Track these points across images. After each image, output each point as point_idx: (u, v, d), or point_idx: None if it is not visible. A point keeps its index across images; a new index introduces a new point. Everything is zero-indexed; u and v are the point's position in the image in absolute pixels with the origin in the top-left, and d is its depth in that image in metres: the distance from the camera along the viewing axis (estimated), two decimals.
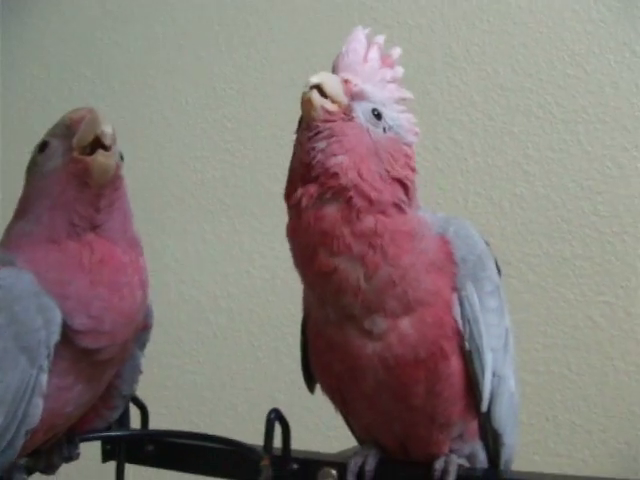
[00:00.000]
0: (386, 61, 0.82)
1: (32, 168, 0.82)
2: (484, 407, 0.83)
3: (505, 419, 0.86)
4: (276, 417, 0.84)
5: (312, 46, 1.65)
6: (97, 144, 0.76)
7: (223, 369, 1.70)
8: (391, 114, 0.80)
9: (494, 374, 0.83)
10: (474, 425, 0.86)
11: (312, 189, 0.76)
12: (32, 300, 0.73)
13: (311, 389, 0.91)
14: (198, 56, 1.73)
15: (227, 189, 1.71)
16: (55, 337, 0.73)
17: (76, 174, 0.76)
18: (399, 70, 0.83)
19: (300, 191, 0.76)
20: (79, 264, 0.75)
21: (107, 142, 0.76)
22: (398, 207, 0.78)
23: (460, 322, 0.80)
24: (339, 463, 0.85)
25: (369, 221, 0.75)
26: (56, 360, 0.74)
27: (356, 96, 0.78)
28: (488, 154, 1.55)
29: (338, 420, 0.92)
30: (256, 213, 1.68)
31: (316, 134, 0.76)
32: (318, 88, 0.76)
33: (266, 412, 0.84)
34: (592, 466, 1.47)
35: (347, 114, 0.77)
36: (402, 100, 0.83)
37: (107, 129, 0.76)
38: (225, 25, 1.72)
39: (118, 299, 0.76)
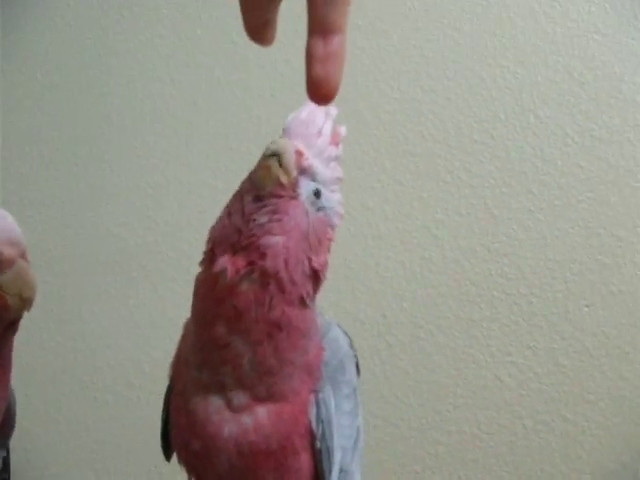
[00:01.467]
0: (335, 138, 0.83)
1: None
2: None
3: None
4: None
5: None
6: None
7: (146, 433, 1.71)
8: (327, 194, 0.82)
9: (341, 470, 0.86)
10: None
11: (240, 264, 0.78)
12: None
13: (167, 457, 0.94)
14: (124, 125, 1.77)
15: (150, 255, 1.74)
16: None
17: None
18: (341, 149, 0.84)
19: (227, 261, 0.79)
20: None
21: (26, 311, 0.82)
22: (303, 302, 0.81)
23: (314, 422, 0.83)
24: None
25: (277, 312, 0.79)
26: None
27: (304, 171, 0.80)
28: (398, 219, 1.59)
29: None
30: (177, 279, 1.71)
31: (262, 206, 0.78)
32: (276, 155, 0.78)
33: None
34: None
35: (294, 190, 0.79)
36: (338, 180, 0.84)
37: (33, 296, 0.81)
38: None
39: None
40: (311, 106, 0.81)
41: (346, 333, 0.91)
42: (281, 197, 0.78)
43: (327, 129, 0.82)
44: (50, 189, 1.80)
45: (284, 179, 0.78)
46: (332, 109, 0.83)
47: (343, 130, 0.84)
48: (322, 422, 0.83)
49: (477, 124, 1.57)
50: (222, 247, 0.80)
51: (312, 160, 0.80)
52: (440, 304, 1.56)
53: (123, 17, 1.86)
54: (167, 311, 1.72)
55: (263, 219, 0.78)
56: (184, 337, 0.89)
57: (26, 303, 0.81)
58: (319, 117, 0.82)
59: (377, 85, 1.62)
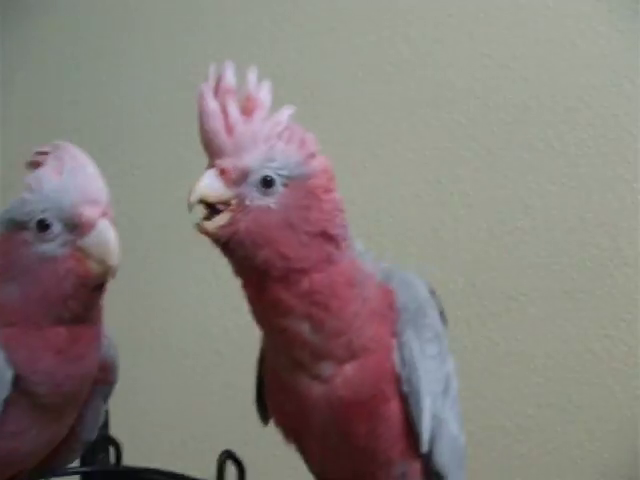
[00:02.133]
0: (248, 106, 0.78)
1: (22, 238, 0.80)
2: (424, 448, 0.86)
3: (448, 462, 0.89)
4: (228, 457, 0.87)
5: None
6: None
7: (235, 399, 1.74)
8: (280, 162, 0.78)
9: (434, 416, 0.86)
10: (417, 466, 0.88)
11: (255, 280, 0.79)
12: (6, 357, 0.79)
13: (264, 421, 0.95)
14: None
15: None
16: (6, 390, 0.79)
17: (74, 273, 0.79)
18: (265, 100, 0.79)
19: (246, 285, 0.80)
20: (52, 347, 0.80)
21: (110, 278, 0.80)
22: (329, 260, 0.80)
23: (399, 366, 0.83)
24: None
25: (305, 283, 0.79)
26: (12, 407, 0.80)
27: (240, 180, 0.77)
28: (490, 188, 1.57)
29: None
30: None
31: (229, 248, 0.78)
32: (203, 202, 0.77)
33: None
34: None
35: (241, 206, 0.77)
36: (286, 129, 0.80)
37: (116, 263, 0.79)
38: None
39: (79, 368, 0.82)
40: (203, 111, 0.77)
41: (428, 283, 0.90)
42: (234, 227, 0.77)
43: (233, 113, 0.77)
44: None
45: (224, 219, 0.77)
46: (225, 84, 0.78)
47: (251, 81, 0.79)
48: (406, 365, 0.83)
49: (571, 91, 1.53)
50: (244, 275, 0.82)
51: (239, 163, 0.77)
52: (531, 275, 1.53)
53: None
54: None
55: (240, 252, 0.78)
56: None
57: (109, 271, 0.79)
58: (214, 118, 0.77)
59: (469, 54, 1.59)
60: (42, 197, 0.79)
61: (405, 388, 0.83)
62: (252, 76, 0.79)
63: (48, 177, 0.80)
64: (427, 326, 0.86)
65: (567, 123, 1.52)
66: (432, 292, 0.90)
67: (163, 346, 1.81)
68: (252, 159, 0.77)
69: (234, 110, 0.77)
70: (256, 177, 0.77)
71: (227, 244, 0.78)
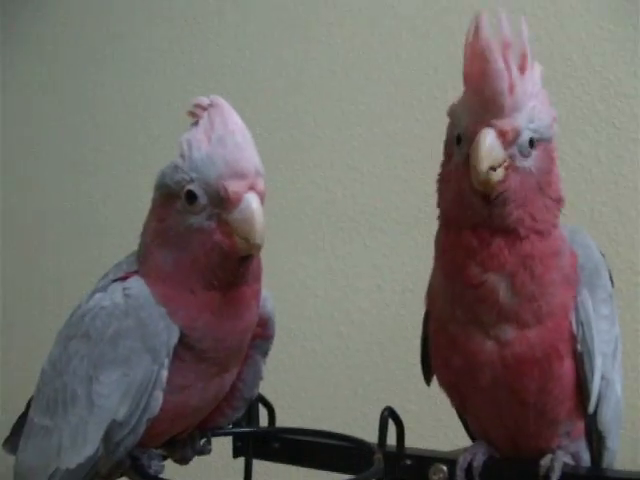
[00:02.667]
0: (523, 63, 0.78)
1: (175, 206, 0.82)
2: (591, 408, 0.87)
3: (610, 422, 0.89)
4: (389, 414, 0.89)
5: (438, 68, 1.70)
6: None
7: (355, 380, 1.75)
8: (537, 123, 0.79)
9: (603, 377, 0.87)
10: (580, 425, 0.89)
11: (486, 234, 0.80)
12: (155, 308, 0.82)
13: (427, 381, 0.97)
14: (324, 76, 1.80)
15: (357, 207, 1.77)
16: (174, 339, 0.81)
17: (221, 246, 0.80)
18: (536, 69, 0.79)
19: (473, 236, 0.81)
20: (207, 308, 0.82)
21: (252, 253, 0.80)
22: (555, 226, 0.83)
23: (575, 325, 0.84)
24: (449, 460, 0.90)
25: (527, 245, 0.80)
26: (179, 362, 0.83)
27: (513, 141, 0.78)
28: (613, 163, 1.55)
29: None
30: (385, 229, 1.74)
31: (493, 202, 0.79)
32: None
33: None
34: None
35: (512, 166, 0.78)
36: (541, 92, 0.80)
37: (259, 241, 0.78)
38: (351, 50, 1.79)
39: (237, 325, 0.84)
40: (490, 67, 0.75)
41: (598, 244, 0.90)
42: (506, 184, 0.78)
43: (515, 76, 0.76)
44: None
45: (500, 175, 0.77)
46: (503, 33, 0.76)
47: (524, 37, 0.78)
48: (582, 324, 0.84)
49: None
50: (463, 221, 0.82)
51: (515, 124, 0.77)
52: None
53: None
54: (375, 261, 1.75)
55: (498, 210, 0.79)
56: (434, 268, 0.91)
57: (253, 248, 0.79)
58: (499, 78, 0.75)
59: (586, 27, 1.57)
60: (191, 166, 0.79)
61: (579, 347, 0.84)
62: (525, 29, 0.79)
63: (197, 143, 0.80)
64: (601, 287, 0.87)
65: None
66: (603, 254, 0.90)
67: (326, 320, 1.81)
68: (522, 120, 0.78)
69: (515, 68, 0.76)
70: (524, 139, 0.78)
71: (494, 198, 0.78)
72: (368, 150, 1.77)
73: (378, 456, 0.83)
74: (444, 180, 0.85)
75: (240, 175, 0.78)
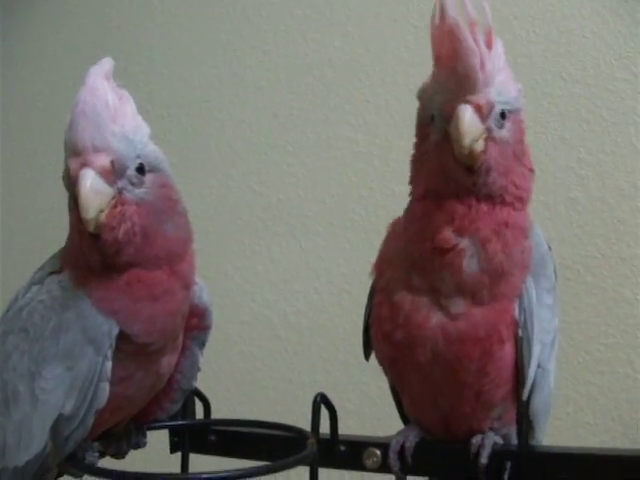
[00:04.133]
0: (489, 39, 0.81)
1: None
2: (525, 395, 0.89)
3: (541, 411, 0.91)
4: (322, 401, 0.89)
5: (369, 72, 1.72)
6: None
7: (295, 383, 1.76)
8: (505, 96, 0.82)
9: (539, 366, 0.88)
10: (513, 410, 0.91)
11: (470, 201, 0.83)
12: (92, 303, 0.82)
13: (367, 356, 0.97)
14: (259, 86, 1.82)
15: (292, 211, 1.78)
16: (116, 330, 0.81)
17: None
18: (499, 44, 0.82)
19: (457, 203, 0.83)
20: (123, 292, 0.82)
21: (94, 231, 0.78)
22: (529, 199, 0.86)
23: (517, 310, 0.86)
24: (383, 444, 0.91)
25: (505, 212, 0.83)
26: (119, 353, 0.82)
27: (488, 114, 0.81)
28: (542, 161, 1.58)
29: None
30: (320, 232, 1.75)
31: (476, 171, 0.81)
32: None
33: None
34: None
35: (489, 136, 0.81)
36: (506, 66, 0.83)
37: (89, 217, 0.76)
38: (283, 56, 1.81)
39: (161, 304, 0.84)
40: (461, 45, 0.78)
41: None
42: (486, 155, 0.81)
43: (483, 50, 0.79)
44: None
45: (481, 146, 0.80)
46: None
47: (485, 11, 0.81)
48: (524, 311, 0.86)
49: (616, 61, 1.55)
50: (446, 190, 0.84)
51: (488, 97, 0.80)
52: (587, 243, 1.55)
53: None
54: (310, 264, 1.76)
55: (481, 179, 0.82)
56: (388, 238, 0.93)
57: (87, 224, 0.78)
58: (473, 52, 0.78)
59: (512, 30, 1.61)
60: None
61: (520, 333, 0.86)
62: (487, 6, 0.81)
63: None
64: (546, 277, 0.89)
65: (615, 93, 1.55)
66: (549, 247, 0.92)
67: (264, 324, 1.82)
68: (494, 93, 0.81)
69: (483, 45, 0.79)
70: (496, 111, 0.81)
71: (477, 168, 0.81)
72: (302, 155, 1.78)
73: (311, 441, 0.83)
74: (420, 159, 0.87)
75: (77, 152, 0.77)
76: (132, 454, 0.96)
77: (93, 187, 0.75)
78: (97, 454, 0.86)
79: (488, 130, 0.81)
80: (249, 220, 1.82)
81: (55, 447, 0.82)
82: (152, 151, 0.83)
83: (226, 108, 1.85)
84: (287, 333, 1.78)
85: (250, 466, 0.76)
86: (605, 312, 1.53)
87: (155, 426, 0.98)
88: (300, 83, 1.78)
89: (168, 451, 1.03)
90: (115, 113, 0.79)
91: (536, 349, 0.87)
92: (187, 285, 0.87)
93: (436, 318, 0.85)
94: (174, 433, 1.03)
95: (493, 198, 0.82)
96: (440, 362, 0.86)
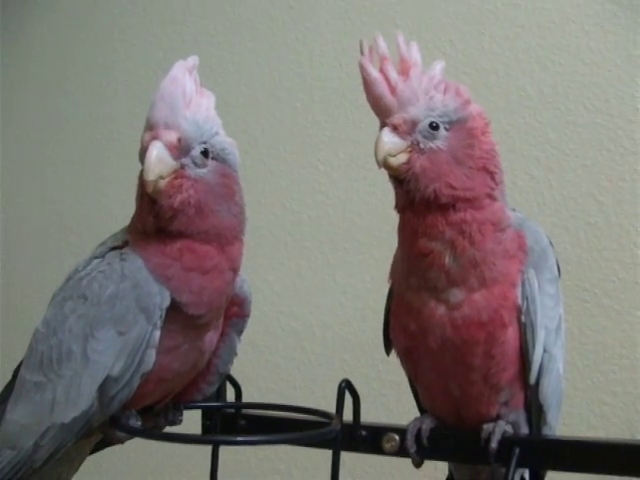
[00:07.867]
0: (403, 67, 0.92)
1: None
2: (532, 379, 0.95)
3: (551, 396, 0.97)
4: (346, 387, 0.96)
5: None
6: None
7: (318, 395, 1.81)
8: (440, 110, 0.92)
9: (545, 350, 0.95)
10: (521, 395, 0.97)
11: (419, 208, 0.92)
12: (149, 273, 0.90)
13: (387, 352, 1.06)
14: (294, 107, 1.90)
15: (321, 227, 1.85)
16: (167, 302, 0.89)
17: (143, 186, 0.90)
18: (417, 58, 0.93)
19: (412, 214, 0.93)
20: (174, 255, 0.90)
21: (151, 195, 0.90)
22: (490, 196, 0.93)
23: (520, 298, 0.94)
24: (401, 429, 0.98)
25: (460, 213, 0.91)
26: (169, 324, 0.90)
27: (410, 129, 0.91)
28: (563, 187, 1.64)
29: None
30: (347, 248, 1.82)
31: (405, 181, 0.92)
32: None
33: None
34: None
35: (416, 148, 0.91)
36: (440, 82, 0.93)
37: (150, 179, 0.88)
38: (318, 79, 1.89)
39: (209, 278, 0.91)
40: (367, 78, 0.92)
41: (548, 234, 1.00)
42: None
43: (393, 78, 0.91)
44: None
45: (401, 162, 0.91)
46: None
47: (413, 51, 0.93)
48: (527, 299, 0.94)
49: (638, 93, 1.61)
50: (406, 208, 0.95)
51: (407, 115, 0.90)
52: (605, 267, 1.60)
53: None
54: (337, 278, 1.83)
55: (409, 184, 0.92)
56: (397, 250, 1.01)
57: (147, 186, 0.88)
58: (378, 82, 0.91)
59: (539, 61, 1.68)
60: None
61: (523, 317, 0.94)
62: (401, 39, 0.93)
63: None
64: (548, 268, 0.97)
65: (636, 123, 1.61)
66: (551, 243, 1.00)
67: (290, 335, 1.88)
68: (416, 110, 0.91)
69: (393, 73, 0.91)
70: (424, 125, 0.91)
71: (403, 178, 0.91)
72: (333, 174, 1.85)
73: (336, 421, 0.90)
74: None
75: (150, 127, 0.89)
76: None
77: (158, 155, 0.86)
78: (139, 423, 0.93)
79: (413, 142, 0.90)
80: (279, 235, 1.89)
81: (100, 406, 0.89)
82: (220, 142, 0.92)
83: (262, 127, 1.93)
84: (312, 345, 1.85)
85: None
86: (620, 334, 1.58)
87: (191, 406, 1.05)
88: (333, 105, 1.86)
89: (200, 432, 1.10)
90: (190, 101, 0.90)
91: (541, 334, 0.94)
92: (234, 268, 0.95)
93: (441, 309, 0.93)
94: (207, 417, 1.09)
95: (431, 201, 0.91)
96: (449, 347, 0.94)
